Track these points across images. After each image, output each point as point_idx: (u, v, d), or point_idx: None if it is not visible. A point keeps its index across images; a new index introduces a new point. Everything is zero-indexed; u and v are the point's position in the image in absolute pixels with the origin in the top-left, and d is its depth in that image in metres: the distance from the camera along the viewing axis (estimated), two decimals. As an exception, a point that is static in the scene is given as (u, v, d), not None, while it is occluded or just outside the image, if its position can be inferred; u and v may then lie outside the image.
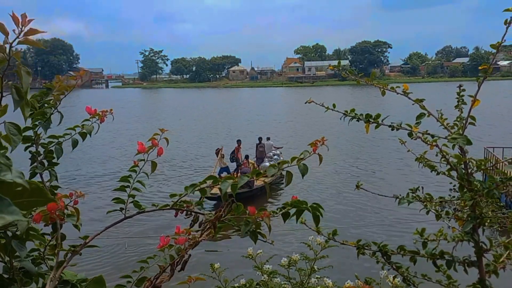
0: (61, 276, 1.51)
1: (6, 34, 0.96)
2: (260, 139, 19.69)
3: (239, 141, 19.03)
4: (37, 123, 1.56)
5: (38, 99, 1.60)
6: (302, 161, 1.41)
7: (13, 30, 0.98)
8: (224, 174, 16.91)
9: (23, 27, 0.98)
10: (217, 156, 17.87)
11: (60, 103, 1.61)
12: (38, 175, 1.60)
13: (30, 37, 0.98)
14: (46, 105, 1.62)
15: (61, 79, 1.68)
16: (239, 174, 16.26)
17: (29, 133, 1.58)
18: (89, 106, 1.66)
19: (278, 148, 20.29)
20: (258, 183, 15.12)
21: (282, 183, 17.05)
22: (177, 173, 20.87)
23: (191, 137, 31.76)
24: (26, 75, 1.00)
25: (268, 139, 20.20)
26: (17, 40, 0.99)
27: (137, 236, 12.33)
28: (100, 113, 1.67)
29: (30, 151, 1.60)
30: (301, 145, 25.97)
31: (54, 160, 1.64)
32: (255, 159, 19.43)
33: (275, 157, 18.92)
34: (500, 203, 14.25)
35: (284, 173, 1.49)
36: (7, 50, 0.96)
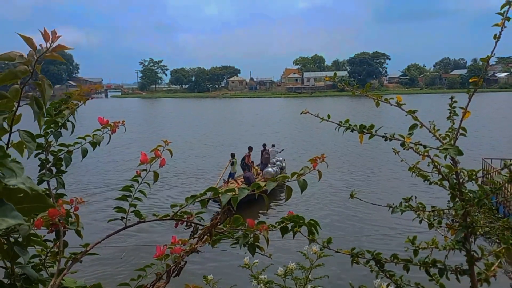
0: (61, 283, 1.54)
1: (34, 48, 1.01)
2: (264, 145, 20.61)
3: (250, 148, 19.73)
4: (48, 131, 1.60)
5: (56, 107, 1.63)
6: (302, 177, 1.44)
7: (40, 45, 1.03)
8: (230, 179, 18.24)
9: (52, 43, 1.04)
10: (228, 163, 18.98)
11: (76, 113, 1.65)
12: (46, 182, 1.64)
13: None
14: (64, 112, 1.65)
15: (83, 88, 1.73)
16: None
17: (40, 140, 1.61)
18: (101, 116, 1.70)
19: (279, 152, 21.28)
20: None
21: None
22: (178, 182, 20.93)
23: (190, 147, 31.77)
24: (49, 88, 1.04)
25: (273, 146, 21.28)
26: (44, 55, 1.03)
27: (137, 245, 12.30)
28: (112, 124, 1.70)
29: (39, 158, 1.63)
30: (299, 153, 26.14)
31: (62, 168, 1.67)
32: (260, 164, 20.36)
33: (278, 163, 20.00)
34: (498, 214, 14.24)
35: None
36: (33, 64, 1.00)
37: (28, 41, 0.99)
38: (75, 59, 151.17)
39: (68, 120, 1.66)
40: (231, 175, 18.52)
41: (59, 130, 1.61)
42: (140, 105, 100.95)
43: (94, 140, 1.69)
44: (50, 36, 1.03)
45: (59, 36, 1.03)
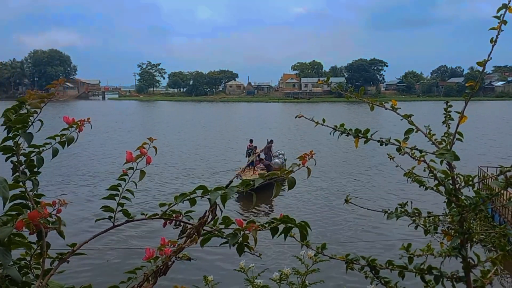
0: (47, 286, 1.49)
1: None
2: (267, 141, 23.33)
3: (251, 140, 22.87)
4: (17, 132, 1.56)
5: (13, 113, 1.59)
6: (290, 174, 1.43)
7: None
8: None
9: None
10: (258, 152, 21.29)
11: (41, 111, 1.60)
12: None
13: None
14: (29, 113, 1.60)
15: (54, 86, 1.68)
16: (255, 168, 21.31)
17: (9, 142, 1.56)
18: (66, 116, 1.67)
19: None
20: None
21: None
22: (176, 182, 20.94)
23: (189, 149, 31.74)
24: None
25: (271, 141, 23.83)
26: None
27: (126, 247, 12.21)
28: (78, 122, 1.67)
29: (11, 161, 1.60)
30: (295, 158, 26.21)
31: (36, 169, 1.63)
32: (266, 156, 22.80)
33: (280, 155, 23.20)
34: (493, 222, 14.27)
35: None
36: None
37: None
38: (73, 61, 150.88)
39: (39, 120, 1.61)
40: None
41: (29, 132, 1.56)
42: (139, 108, 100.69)
43: (64, 139, 1.65)
44: None
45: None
